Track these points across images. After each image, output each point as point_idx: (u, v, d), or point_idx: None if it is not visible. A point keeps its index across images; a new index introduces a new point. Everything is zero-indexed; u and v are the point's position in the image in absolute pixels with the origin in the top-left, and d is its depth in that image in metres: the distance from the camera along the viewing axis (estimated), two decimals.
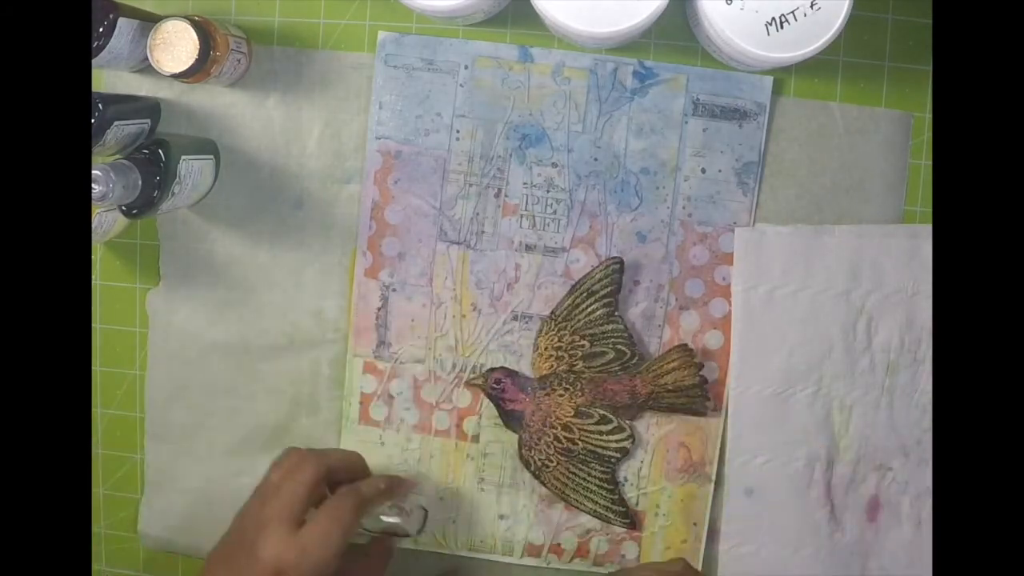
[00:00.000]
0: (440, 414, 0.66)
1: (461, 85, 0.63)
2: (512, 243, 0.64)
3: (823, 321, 0.64)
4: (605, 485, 0.64)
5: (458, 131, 0.64)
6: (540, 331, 0.64)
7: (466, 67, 0.63)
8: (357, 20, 0.64)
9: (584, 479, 0.64)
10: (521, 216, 0.64)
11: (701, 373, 0.63)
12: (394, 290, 0.65)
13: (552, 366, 0.64)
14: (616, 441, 0.64)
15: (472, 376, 0.65)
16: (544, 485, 0.65)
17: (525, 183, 0.64)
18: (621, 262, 0.63)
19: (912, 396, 0.64)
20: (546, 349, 0.64)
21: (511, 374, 0.64)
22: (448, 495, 0.66)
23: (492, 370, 0.64)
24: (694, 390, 0.63)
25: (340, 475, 0.59)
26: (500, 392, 0.64)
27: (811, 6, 0.54)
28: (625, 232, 0.64)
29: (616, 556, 0.66)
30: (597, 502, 0.64)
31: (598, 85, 0.63)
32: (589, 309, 0.63)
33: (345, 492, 0.57)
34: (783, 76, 0.63)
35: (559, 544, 0.66)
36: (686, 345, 0.64)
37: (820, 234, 0.63)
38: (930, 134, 0.63)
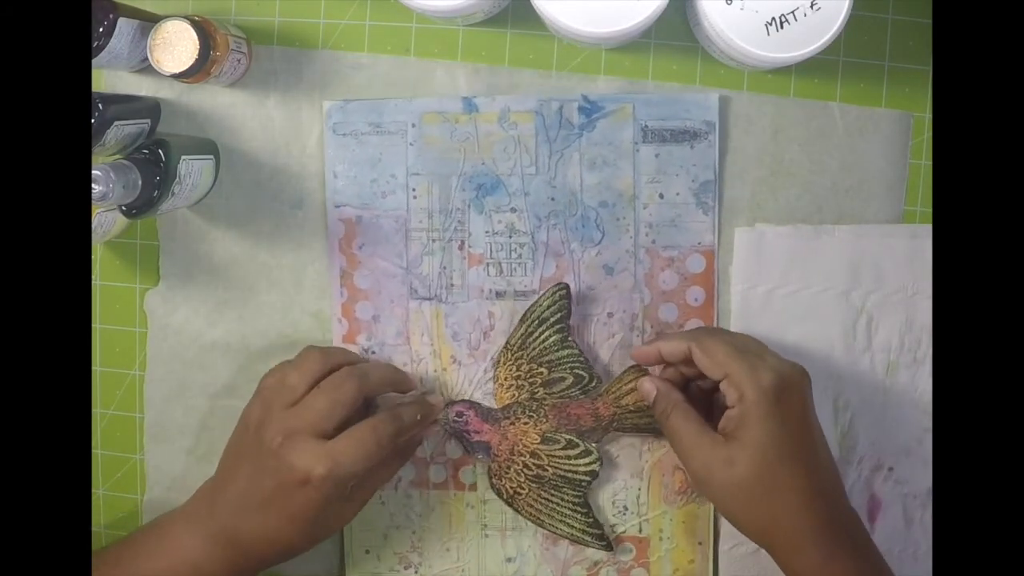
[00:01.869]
0: (435, 467, 0.65)
1: (411, 144, 0.63)
2: (482, 292, 0.64)
3: (823, 321, 0.64)
4: (579, 509, 0.64)
5: (414, 189, 0.63)
6: (498, 362, 0.64)
7: (413, 125, 0.63)
8: (357, 20, 0.64)
9: (557, 504, 0.64)
10: (487, 264, 0.64)
11: None
12: (373, 352, 0.65)
13: (514, 395, 0.64)
14: (585, 465, 0.64)
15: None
16: (519, 513, 0.64)
17: (487, 231, 0.64)
18: (567, 287, 0.63)
19: (912, 396, 0.64)
20: (506, 379, 0.64)
21: (473, 406, 0.64)
22: (453, 545, 0.66)
23: (451, 403, 0.64)
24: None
25: (377, 391, 0.61)
26: (463, 424, 0.63)
27: (811, 6, 0.54)
28: (591, 267, 0.64)
29: None
30: (573, 526, 0.64)
31: (545, 126, 0.63)
32: (542, 337, 0.63)
33: (386, 419, 0.58)
34: (783, 76, 0.63)
35: None
36: (639, 365, 0.63)
37: (820, 234, 0.63)
38: (930, 134, 0.63)
